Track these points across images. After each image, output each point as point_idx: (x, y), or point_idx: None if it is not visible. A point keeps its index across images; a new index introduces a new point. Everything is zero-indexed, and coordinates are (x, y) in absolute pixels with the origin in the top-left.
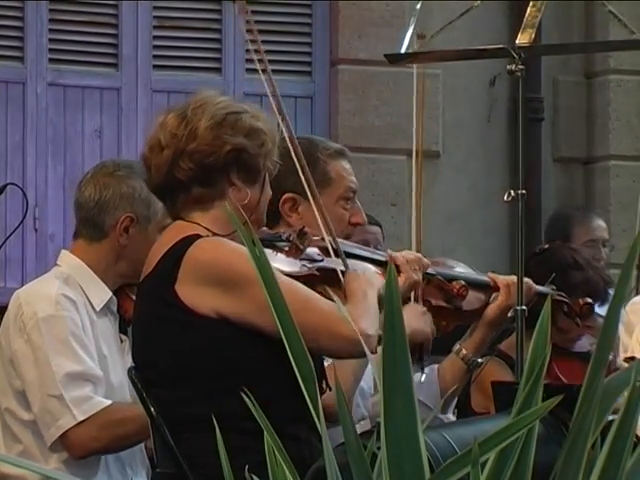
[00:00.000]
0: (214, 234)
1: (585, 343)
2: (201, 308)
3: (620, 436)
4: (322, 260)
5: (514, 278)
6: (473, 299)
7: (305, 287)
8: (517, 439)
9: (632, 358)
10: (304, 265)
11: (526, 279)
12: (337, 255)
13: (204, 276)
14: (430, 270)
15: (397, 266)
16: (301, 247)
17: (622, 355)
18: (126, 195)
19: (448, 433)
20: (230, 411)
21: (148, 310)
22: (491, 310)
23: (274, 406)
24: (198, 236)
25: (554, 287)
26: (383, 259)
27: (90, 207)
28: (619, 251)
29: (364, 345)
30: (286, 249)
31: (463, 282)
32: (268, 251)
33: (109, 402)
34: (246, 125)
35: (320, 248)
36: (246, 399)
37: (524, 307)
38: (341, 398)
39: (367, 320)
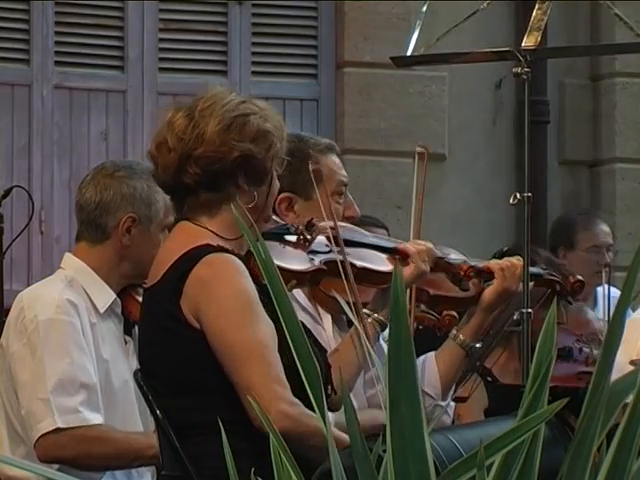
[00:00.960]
0: (223, 239)
1: (564, 340)
2: (187, 315)
3: (626, 439)
4: (329, 251)
5: (507, 261)
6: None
7: (272, 347)
8: (523, 442)
9: (637, 361)
10: (312, 259)
11: (518, 261)
12: (339, 248)
13: (199, 289)
14: (438, 253)
15: (407, 255)
16: (309, 238)
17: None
18: (127, 195)
19: (454, 436)
20: (235, 417)
21: (153, 320)
22: (488, 294)
23: None
24: (208, 246)
25: (544, 267)
26: (392, 246)
27: (91, 209)
28: (624, 254)
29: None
30: (294, 241)
31: (471, 263)
32: (275, 244)
33: (97, 421)
34: (254, 128)
35: (328, 238)
36: (253, 402)
37: (529, 310)
38: (347, 401)
39: (301, 415)
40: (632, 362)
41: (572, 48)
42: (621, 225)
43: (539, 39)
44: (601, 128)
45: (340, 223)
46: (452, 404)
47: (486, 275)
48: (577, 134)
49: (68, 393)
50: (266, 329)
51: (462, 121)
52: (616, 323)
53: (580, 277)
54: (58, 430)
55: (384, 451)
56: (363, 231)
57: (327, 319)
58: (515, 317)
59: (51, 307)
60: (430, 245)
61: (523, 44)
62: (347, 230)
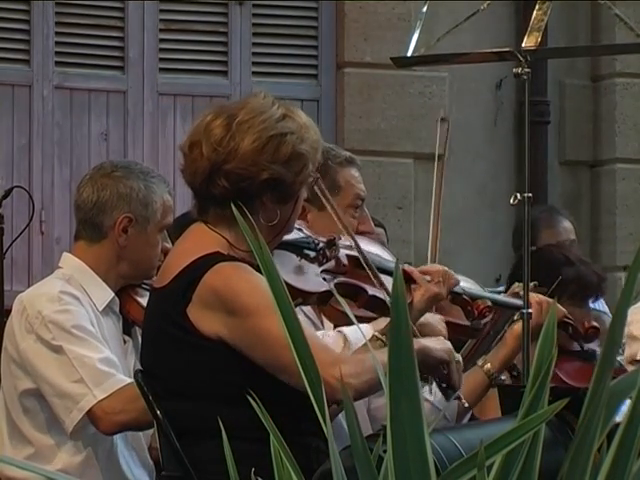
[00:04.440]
0: (235, 249)
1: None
2: (208, 331)
3: (626, 439)
4: (345, 272)
5: (543, 297)
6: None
7: (305, 324)
8: (523, 442)
9: (638, 361)
10: (325, 278)
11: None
12: (367, 268)
13: (213, 301)
14: (457, 289)
15: (412, 280)
16: (328, 256)
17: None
18: (123, 195)
19: (454, 436)
20: (235, 421)
21: (157, 323)
22: (520, 328)
23: (280, 420)
24: (218, 254)
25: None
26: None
27: (88, 208)
28: (625, 254)
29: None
30: (312, 257)
31: (489, 302)
32: (292, 256)
33: (130, 380)
34: (288, 151)
35: (348, 256)
36: (253, 404)
37: (530, 310)
38: (347, 401)
39: (356, 366)
40: (634, 362)
41: (572, 48)
42: (621, 225)
43: (539, 39)
44: (601, 128)
45: (362, 241)
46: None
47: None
48: (577, 134)
49: (96, 367)
50: None
51: (463, 121)
52: (616, 324)
53: (595, 323)
54: (102, 400)
55: (384, 451)
56: (385, 253)
57: (330, 328)
58: (515, 317)
59: (53, 301)
60: (447, 269)
61: (523, 44)
62: (367, 253)
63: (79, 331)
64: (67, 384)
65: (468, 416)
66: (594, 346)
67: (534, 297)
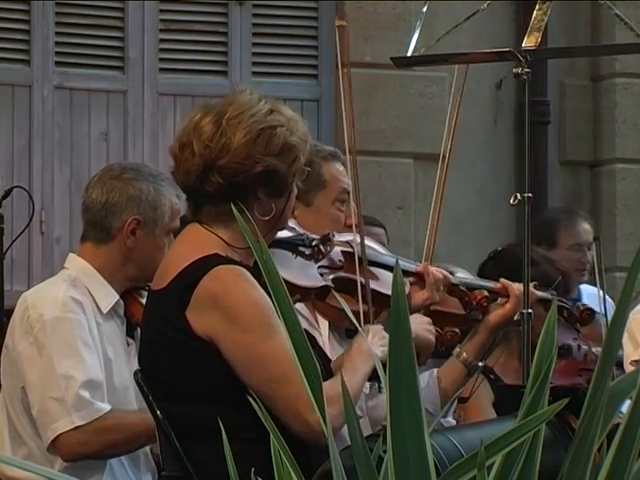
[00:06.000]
0: (232, 248)
1: (562, 337)
2: (202, 334)
3: (626, 439)
4: (342, 268)
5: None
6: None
7: (293, 358)
8: (523, 442)
9: (638, 361)
10: (322, 274)
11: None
12: (360, 264)
13: (210, 304)
14: (454, 280)
15: (424, 281)
16: (323, 252)
17: (626, 363)
18: (133, 197)
19: (454, 436)
20: (235, 423)
21: (155, 326)
22: (496, 316)
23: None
24: (216, 256)
25: (554, 292)
26: (409, 270)
27: (97, 210)
28: (625, 254)
29: (321, 434)
30: (307, 253)
31: (486, 292)
32: (288, 254)
33: (108, 408)
34: (280, 142)
35: (343, 252)
36: (254, 404)
37: (530, 310)
38: (347, 402)
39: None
40: (632, 362)
41: (572, 48)
42: (622, 225)
43: (539, 39)
44: (601, 128)
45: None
46: (452, 421)
47: (500, 296)
48: (577, 134)
49: (80, 390)
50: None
51: (462, 122)
52: (616, 323)
53: (590, 306)
54: (77, 428)
55: (384, 451)
56: (380, 248)
57: (324, 325)
58: (515, 317)
59: (56, 306)
60: (446, 273)
61: (523, 45)
62: (365, 247)
63: (75, 341)
64: (48, 400)
65: (453, 407)
66: (569, 341)
67: (515, 289)
